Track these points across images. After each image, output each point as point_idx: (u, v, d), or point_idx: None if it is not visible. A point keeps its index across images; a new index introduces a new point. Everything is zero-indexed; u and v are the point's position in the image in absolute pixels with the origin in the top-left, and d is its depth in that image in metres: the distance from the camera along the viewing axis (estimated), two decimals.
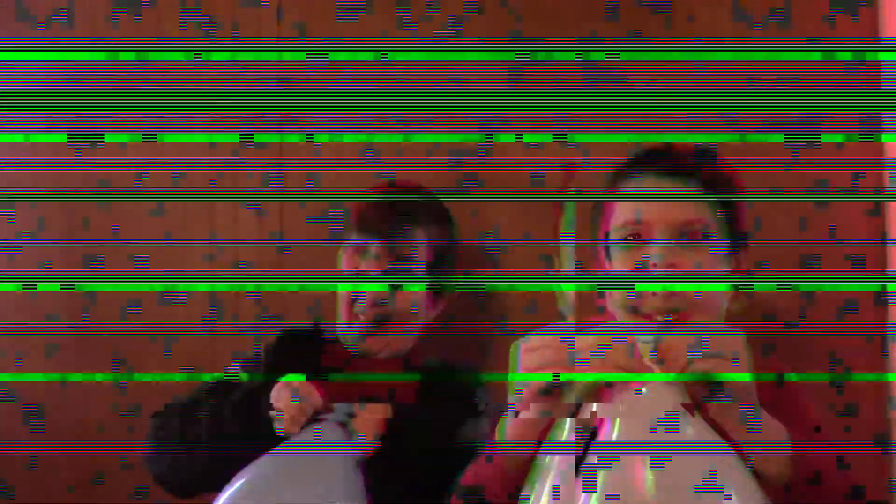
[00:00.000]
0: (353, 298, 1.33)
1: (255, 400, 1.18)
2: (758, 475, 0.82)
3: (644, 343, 0.82)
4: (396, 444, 1.11)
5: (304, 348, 1.39)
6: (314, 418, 1.15)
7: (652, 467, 0.75)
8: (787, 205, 1.49)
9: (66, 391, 1.74)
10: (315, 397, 1.15)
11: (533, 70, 1.59)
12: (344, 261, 1.37)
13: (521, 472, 0.87)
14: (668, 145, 1.13)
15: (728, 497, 0.74)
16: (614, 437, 0.79)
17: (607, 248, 1.14)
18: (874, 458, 1.42)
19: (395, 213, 1.34)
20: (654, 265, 1.01)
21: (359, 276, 1.33)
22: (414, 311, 1.34)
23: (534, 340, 0.86)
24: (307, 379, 1.23)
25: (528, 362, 0.85)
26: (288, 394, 1.15)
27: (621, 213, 1.08)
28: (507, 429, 0.92)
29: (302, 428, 1.14)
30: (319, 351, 1.39)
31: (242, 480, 1.09)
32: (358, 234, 1.35)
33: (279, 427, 1.14)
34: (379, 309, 1.31)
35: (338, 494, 1.07)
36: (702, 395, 0.83)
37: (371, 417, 1.13)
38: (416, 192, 1.40)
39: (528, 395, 0.86)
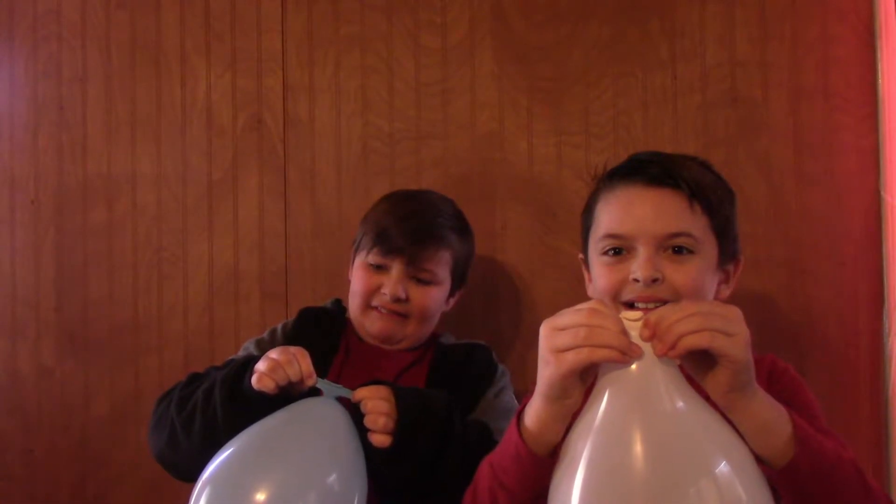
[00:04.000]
0: (372, 290, 1.31)
1: (243, 368, 1.11)
2: (757, 456, 0.79)
3: (632, 321, 0.78)
4: (406, 438, 1.07)
5: (326, 324, 1.36)
6: (300, 392, 1.07)
7: (644, 442, 0.72)
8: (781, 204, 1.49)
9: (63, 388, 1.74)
10: (305, 362, 1.07)
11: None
12: (360, 276, 1.33)
13: (546, 463, 0.81)
14: (656, 154, 1.11)
15: (723, 472, 0.71)
16: (601, 412, 0.76)
17: (586, 261, 1.13)
18: (872, 458, 1.43)
19: (423, 236, 1.30)
20: (637, 281, 1.00)
21: (375, 294, 1.30)
22: (431, 308, 1.33)
23: (563, 320, 0.81)
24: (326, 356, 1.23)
25: (559, 342, 0.80)
26: (275, 353, 1.08)
27: (603, 225, 1.06)
28: (533, 413, 0.85)
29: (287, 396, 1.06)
30: (342, 327, 1.37)
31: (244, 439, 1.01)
32: (381, 254, 1.30)
33: (254, 379, 1.06)
34: (399, 306, 1.30)
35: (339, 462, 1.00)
36: (696, 371, 0.80)
37: (381, 408, 1.07)
38: (441, 207, 1.37)
39: (557, 376, 0.80)
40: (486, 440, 1.13)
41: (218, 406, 1.11)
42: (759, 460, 0.79)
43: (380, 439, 1.05)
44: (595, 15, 1.57)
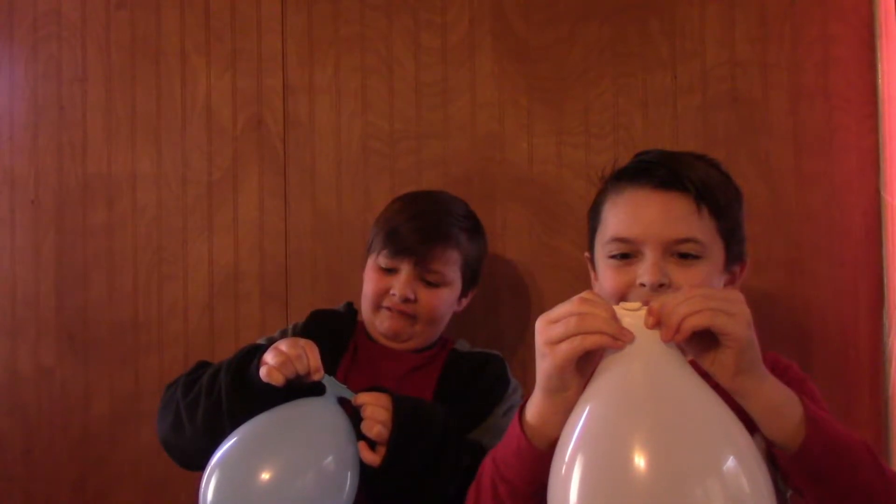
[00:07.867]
0: (382, 292, 1.31)
1: (248, 357, 1.13)
2: (770, 440, 0.78)
3: (631, 310, 0.78)
4: (398, 450, 1.07)
5: (336, 326, 1.36)
6: (305, 384, 1.09)
7: (638, 428, 0.70)
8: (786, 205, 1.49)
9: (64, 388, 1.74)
10: (314, 356, 1.08)
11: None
12: (371, 278, 1.33)
13: (547, 457, 0.80)
14: (664, 154, 1.10)
15: (729, 458, 0.69)
16: (594, 402, 0.75)
17: (592, 262, 1.13)
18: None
19: (431, 236, 1.30)
20: (643, 285, 1.00)
21: (385, 295, 1.31)
22: (440, 310, 1.33)
23: (555, 312, 0.81)
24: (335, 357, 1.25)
25: (552, 333, 0.80)
26: (285, 345, 1.09)
27: (610, 228, 1.06)
28: (533, 407, 0.86)
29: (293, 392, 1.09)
30: (352, 330, 1.37)
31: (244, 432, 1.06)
32: (390, 255, 1.30)
33: (263, 371, 1.07)
34: (408, 306, 1.30)
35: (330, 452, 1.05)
36: (702, 358, 0.80)
37: (378, 416, 1.07)
38: (451, 207, 1.37)
39: (553, 368, 0.80)
40: (479, 464, 1.12)
41: (223, 393, 1.12)
42: (773, 445, 0.79)
43: (370, 457, 1.06)
44: (595, 15, 1.57)
